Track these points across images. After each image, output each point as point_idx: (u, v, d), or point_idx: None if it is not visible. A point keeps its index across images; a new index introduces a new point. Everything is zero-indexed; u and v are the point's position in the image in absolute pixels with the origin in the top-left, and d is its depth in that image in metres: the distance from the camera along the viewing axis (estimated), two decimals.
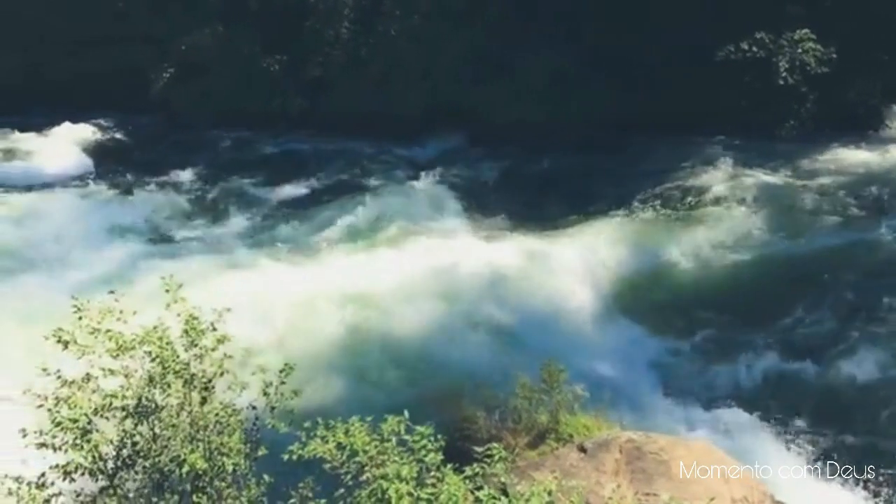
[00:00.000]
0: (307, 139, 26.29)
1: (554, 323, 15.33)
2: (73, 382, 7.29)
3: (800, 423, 13.42)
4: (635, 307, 17.20)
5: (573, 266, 17.79)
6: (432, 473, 6.13)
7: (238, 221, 21.11)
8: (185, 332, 7.56)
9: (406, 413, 6.62)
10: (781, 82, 24.70)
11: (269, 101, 27.42)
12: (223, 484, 7.48)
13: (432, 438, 6.40)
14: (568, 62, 25.13)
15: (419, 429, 6.32)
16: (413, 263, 17.47)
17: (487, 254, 17.82)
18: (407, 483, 5.81)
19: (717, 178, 22.54)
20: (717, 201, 21.57)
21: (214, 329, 7.64)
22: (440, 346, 14.78)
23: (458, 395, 10.73)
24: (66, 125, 27.60)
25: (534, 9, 25.71)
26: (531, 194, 21.94)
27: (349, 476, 6.28)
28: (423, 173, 23.62)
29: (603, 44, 24.87)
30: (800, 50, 24.86)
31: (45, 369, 7.37)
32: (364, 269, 17.88)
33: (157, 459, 7.28)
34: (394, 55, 27.08)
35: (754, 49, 24.83)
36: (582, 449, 9.34)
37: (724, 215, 20.88)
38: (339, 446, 6.35)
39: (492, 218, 20.44)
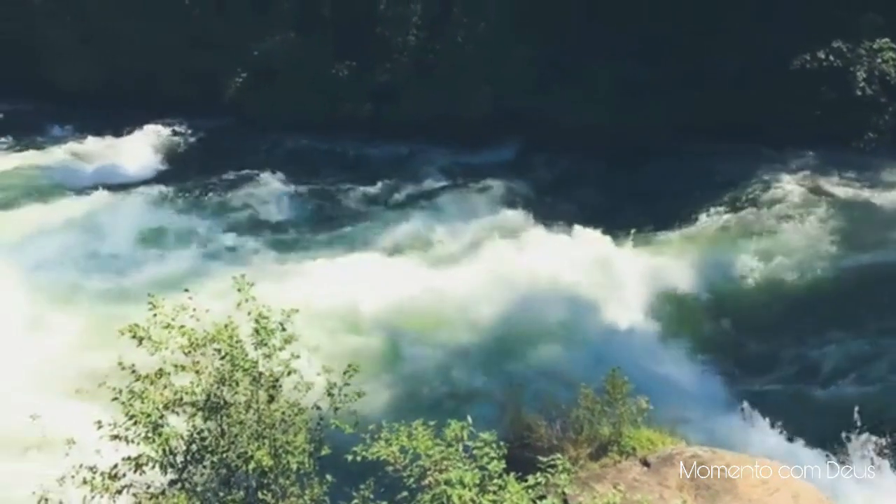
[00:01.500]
0: (374, 144, 26.58)
1: (616, 334, 15.12)
2: (146, 377, 7.50)
3: (874, 444, 12.90)
4: (700, 321, 16.86)
5: (637, 276, 17.51)
6: (494, 481, 6.11)
7: (305, 224, 21.48)
8: (255, 331, 7.72)
9: (469, 418, 6.62)
10: (859, 93, 23.98)
11: (338, 107, 27.83)
12: (287, 482, 7.59)
13: (495, 445, 6.38)
14: (636, 67, 24.83)
15: (482, 435, 6.31)
16: (474, 268, 17.49)
17: (550, 261, 17.69)
18: (469, 490, 5.80)
19: (788, 190, 21.95)
20: (787, 213, 20.99)
21: (283, 329, 7.79)
22: (500, 353, 14.74)
23: (519, 403, 10.67)
24: (141, 129, 28.47)
25: (602, 14, 25.48)
26: (595, 201, 21.72)
27: (412, 479, 6.30)
28: (487, 178, 23.62)
29: (674, 49, 24.52)
30: (879, 60, 24.09)
31: (120, 363, 7.61)
32: (426, 272, 17.98)
33: (224, 455, 7.43)
34: (460, 61, 27.21)
35: (831, 58, 24.17)
36: (645, 463, 9.18)
37: (795, 228, 20.31)
38: (403, 449, 6.38)
39: (555, 225, 20.27)
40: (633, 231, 20.03)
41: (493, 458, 6.19)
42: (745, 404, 14.09)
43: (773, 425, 13.39)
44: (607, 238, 19.52)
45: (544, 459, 6.24)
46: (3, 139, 28.99)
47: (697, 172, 22.94)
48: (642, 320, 16.01)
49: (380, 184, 24.03)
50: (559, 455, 6.28)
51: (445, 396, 13.40)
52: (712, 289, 17.91)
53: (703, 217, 21.09)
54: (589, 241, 19.27)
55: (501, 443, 6.40)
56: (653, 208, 21.00)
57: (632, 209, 21.04)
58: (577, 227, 19.71)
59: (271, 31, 29.26)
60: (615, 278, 17.16)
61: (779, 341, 16.21)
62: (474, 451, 6.26)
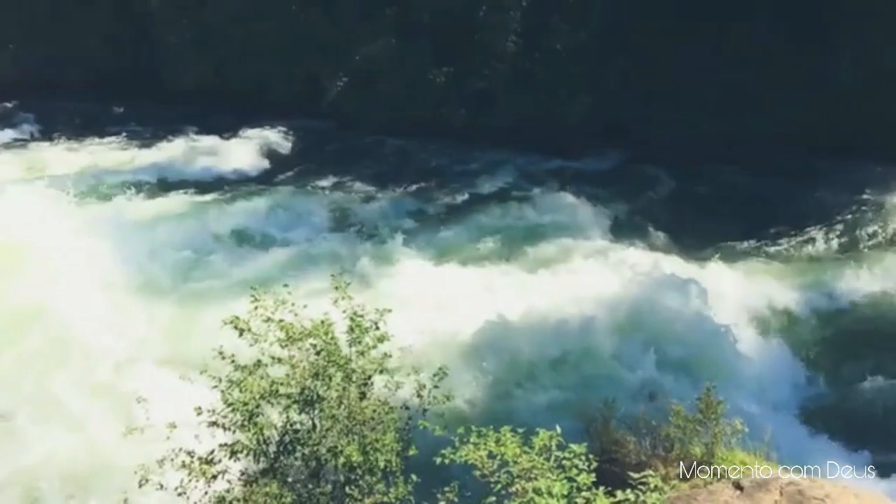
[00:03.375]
0: (468, 149, 26.68)
1: (710, 353, 14.62)
2: (244, 367, 7.77)
3: None
4: (802, 348, 16.09)
5: (736, 296, 16.87)
6: (583, 493, 6.02)
7: (397, 227, 21.67)
8: (349, 328, 7.89)
9: (558, 428, 6.56)
10: None
11: (434, 112, 28.11)
12: (374, 479, 7.70)
13: (584, 457, 6.30)
14: (744, 77, 24.05)
15: (572, 446, 6.24)
16: (566, 279, 17.28)
17: (642, 275, 17.27)
18: (558, 500, 5.75)
19: None
20: None
21: (377, 328, 7.94)
22: (589, 365, 14.51)
23: (608, 416, 10.49)
24: (246, 129, 29.46)
25: (706, 23, 24.82)
26: (694, 216, 21.08)
27: (499, 486, 6.28)
28: (583, 188, 23.36)
29: (781, 60, 23.64)
30: None
31: (220, 353, 7.91)
32: (517, 280, 17.87)
33: (315, 448, 7.61)
34: (558, 70, 27.05)
35: None
36: (738, 486, 8.82)
37: None
38: (490, 455, 6.38)
39: (650, 238, 19.80)
40: (731, 248, 19.38)
41: (582, 471, 6.11)
42: (845, 435, 13.48)
43: (876, 459, 12.74)
44: (703, 254, 18.95)
45: (635, 476, 6.10)
46: (118, 135, 30.53)
47: (803, 189, 22.03)
48: (738, 340, 15.44)
49: (473, 189, 24.07)
50: (651, 472, 6.13)
51: (531, 405, 13.29)
52: (813, 312, 17.11)
53: (810, 237, 20.21)
54: (683, 255, 18.76)
55: (591, 455, 6.31)
56: (753, 226, 20.24)
57: (731, 225, 20.32)
58: (672, 241, 19.24)
59: (374, 36, 29.82)
60: (712, 296, 16.56)
61: (887, 373, 15.33)
62: (563, 462, 6.19)
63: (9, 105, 34.47)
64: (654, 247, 19.80)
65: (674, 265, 18.10)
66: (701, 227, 20.24)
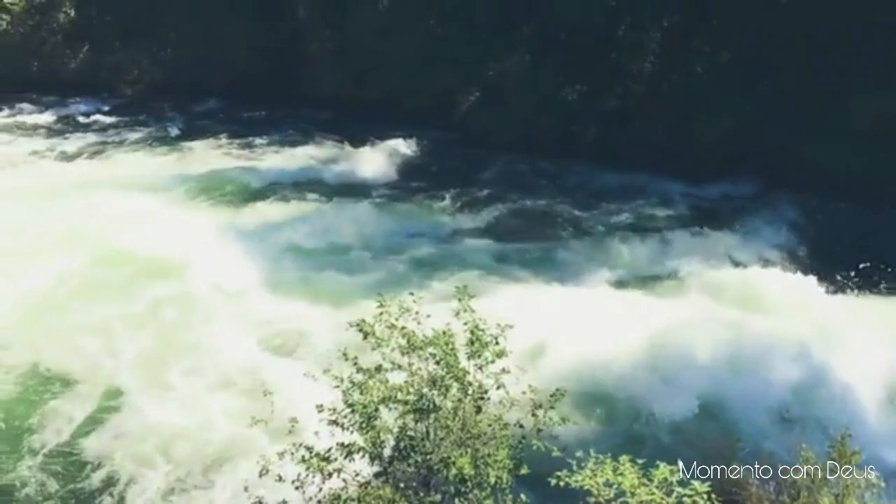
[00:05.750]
0: (597, 169, 26.32)
1: (851, 397, 13.68)
2: (366, 371, 7.93)
3: None
4: None
5: (874, 342, 15.65)
6: None
7: (521, 243, 21.54)
8: (470, 341, 7.90)
9: (680, 463, 6.32)
10: None
11: (564, 130, 27.89)
12: (483, 494, 7.67)
13: (706, 497, 6.03)
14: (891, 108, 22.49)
15: (694, 484, 5.98)
16: (698, 308, 16.62)
17: (780, 311, 16.37)
18: None
19: None
20: None
21: (496, 343, 7.91)
22: (718, 399, 13.87)
23: (730, 456, 10.00)
24: (379, 138, 30.20)
25: (861, 45, 23.39)
26: (843, 250, 19.77)
27: None
28: (721, 213, 22.52)
29: None
30: None
31: (344, 354, 8.10)
32: (638, 306, 17.36)
33: (427, 457, 7.66)
34: (697, 93, 26.27)
35: None
36: None
37: None
38: (607, 483, 6.21)
39: (789, 273, 18.66)
40: (879, 292, 18.03)
41: None
42: None
43: None
44: (853, 293, 17.75)
45: None
46: (257, 137, 32.03)
47: None
48: (883, 394, 14.29)
49: (601, 210, 23.65)
50: None
51: (648, 437, 12.86)
52: None
53: None
54: (832, 293, 17.61)
55: (713, 495, 6.04)
56: (888, 268, 18.66)
57: (882, 271, 18.80)
58: (818, 276, 18.02)
59: (509, 52, 29.97)
60: (861, 338, 15.39)
61: None
62: (683, 499, 5.95)
63: (161, 106, 36.92)
64: (798, 280, 18.54)
65: (820, 301, 17.06)
66: (850, 262, 18.88)
